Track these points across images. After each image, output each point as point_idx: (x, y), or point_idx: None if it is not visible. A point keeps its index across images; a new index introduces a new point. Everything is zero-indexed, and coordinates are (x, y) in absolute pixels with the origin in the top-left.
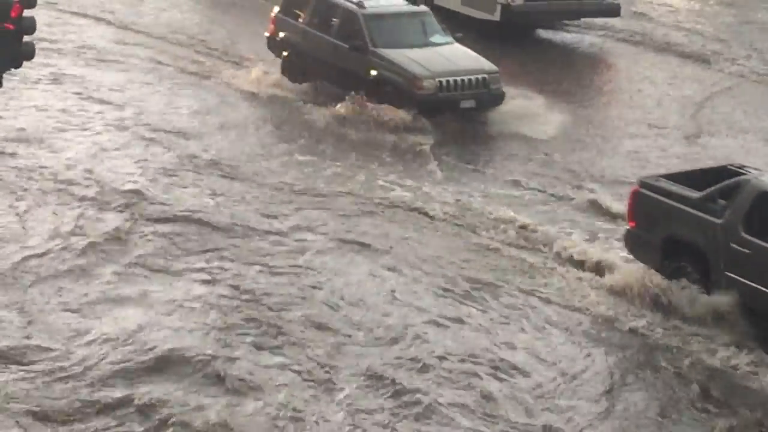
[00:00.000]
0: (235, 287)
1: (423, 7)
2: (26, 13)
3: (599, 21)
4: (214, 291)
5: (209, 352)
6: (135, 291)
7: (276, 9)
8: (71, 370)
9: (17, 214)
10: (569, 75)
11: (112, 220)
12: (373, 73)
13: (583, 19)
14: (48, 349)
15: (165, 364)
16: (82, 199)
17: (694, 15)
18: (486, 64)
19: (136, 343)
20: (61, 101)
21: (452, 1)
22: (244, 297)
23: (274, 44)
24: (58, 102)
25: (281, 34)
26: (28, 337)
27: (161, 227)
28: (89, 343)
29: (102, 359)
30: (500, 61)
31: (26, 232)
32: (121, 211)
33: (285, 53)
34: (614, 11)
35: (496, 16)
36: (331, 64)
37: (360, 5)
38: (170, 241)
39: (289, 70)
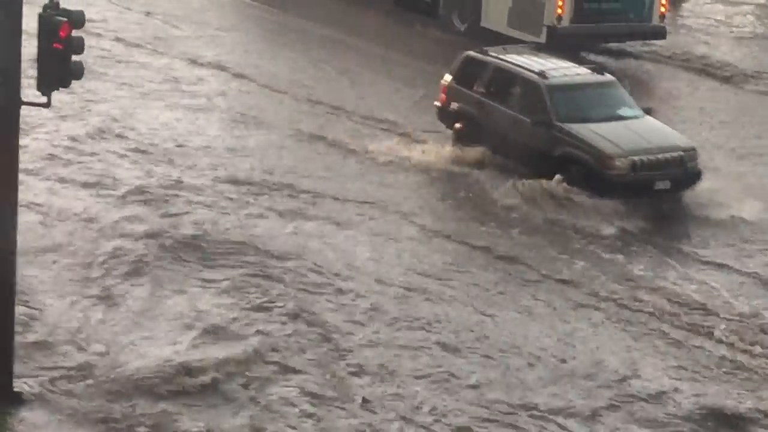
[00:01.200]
0: None
1: (609, 77)
2: (74, 32)
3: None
4: None
5: None
6: None
7: (447, 77)
8: None
9: None
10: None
11: None
12: (558, 150)
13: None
14: None
15: None
16: None
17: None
18: (681, 141)
19: None
20: (211, 171)
21: (499, 24)
22: None
23: (445, 115)
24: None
25: (453, 105)
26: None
27: None
28: None
29: None
30: None
31: None
32: None
33: (458, 125)
34: (661, 33)
35: (543, 38)
36: (510, 139)
37: (542, 75)
38: None
39: (462, 143)
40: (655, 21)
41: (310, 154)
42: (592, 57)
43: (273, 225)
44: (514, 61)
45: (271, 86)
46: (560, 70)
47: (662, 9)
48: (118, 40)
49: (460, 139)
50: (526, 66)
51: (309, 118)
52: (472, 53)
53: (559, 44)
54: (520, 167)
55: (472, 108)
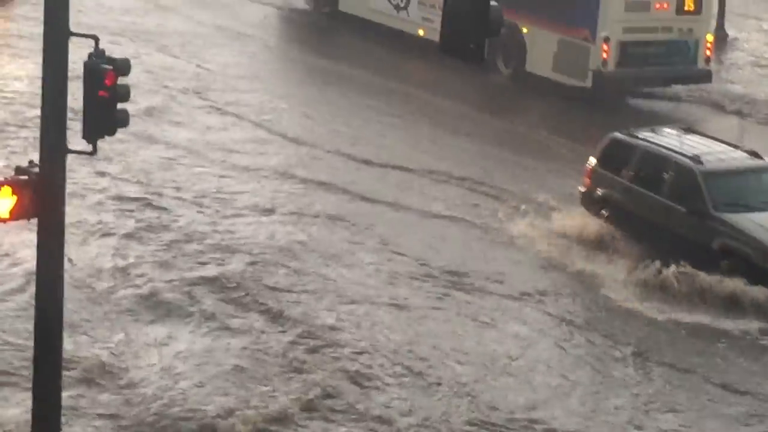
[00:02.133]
0: None
1: None
2: (120, 80)
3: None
4: None
5: None
6: None
7: (591, 161)
8: None
9: None
10: None
11: None
12: (716, 242)
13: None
14: None
15: None
16: None
17: None
18: None
19: None
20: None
21: (544, 68)
22: None
23: (589, 201)
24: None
25: (599, 191)
26: None
27: None
28: None
29: None
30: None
31: None
32: None
33: (604, 212)
34: (706, 77)
35: (588, 83)
36: (662, 228)
37: (696, 160)
38: None
39: (609, 230)
40: (701, 64)
41: (440, 231)
42: (638, 102)
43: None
44: (664, 144)
45: (342, 150)
46: (715, 154)
47: (707, 52)
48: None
49: (607, 225)
50: (678, 150)
51: (405, 187)
52: (618, 135)
53: (604, 89)
54: (672, 258)
55: (620, 194)
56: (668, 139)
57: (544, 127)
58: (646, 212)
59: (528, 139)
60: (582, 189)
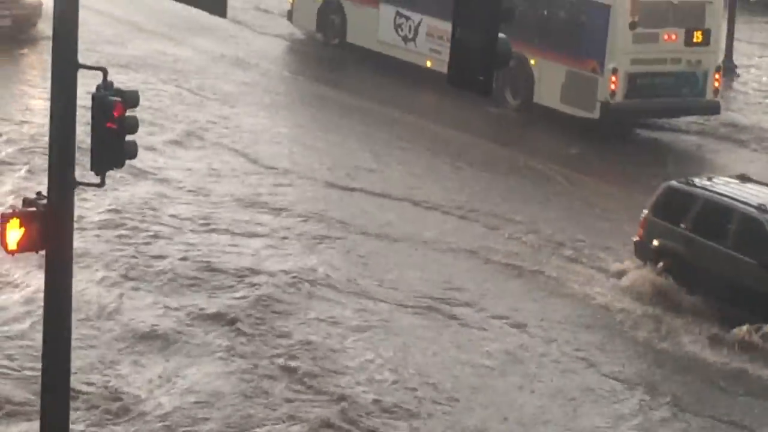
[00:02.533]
0: None
1: None
2: (129, 112)
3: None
4: None
5: None
6: None
7: (644, 211)
8: None
9: None
10: None
11: None
12: None
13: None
14: None
15: None
16: None
17: None
18: None
19: None
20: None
21: (552, 99)
22: None
23: (645, 251)
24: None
25: (655, 242)
26: None
27: None
28: None
29: None
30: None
31: None
32: None
33: (662, 264)
34: (714, 109)
35: (596, 114)
36: (728, 281)
37: (763, 210)
38: None
39: (668, 285)
40: (709, 96)
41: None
42: (646, 133)
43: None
44: (726, 193)
45: (378, 191)
46: None
47: (716, 84)
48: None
49: (666, 278)
50: (741, 199)
51: (443, 228)
52: (674, 184)
53: (612, 120)
54: (740, 314)
55: (679, 245)
56: (728, 187)
57: (556, 160)
58: (709, 264)
59: (545, 174)
60: (636, 239)
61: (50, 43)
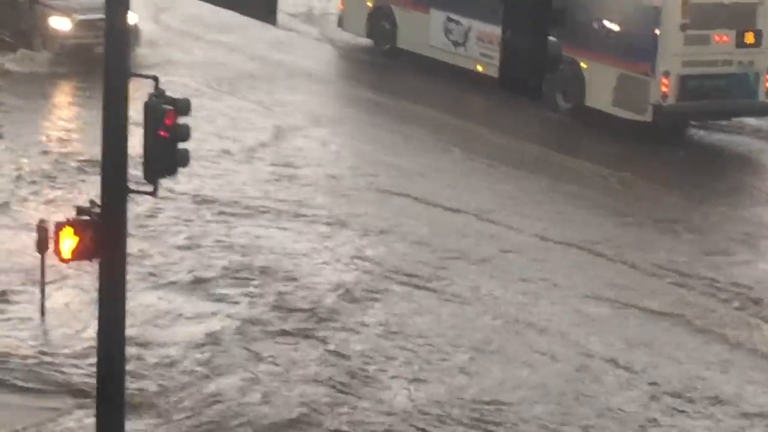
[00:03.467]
0: None
1: None
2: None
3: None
4: None
5: None
6: None
7: None
8: None
9: None
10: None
11: None
12: None
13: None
14: None
15: None
16: None
17: None
18: None
19: None
20: None
21: (603, 102)
22: None
23: None
24: None
25: None
26: None
27: None
28: None
29: None
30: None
31: None
32: None
33: None
34: (767, 110)
35: (648, 117)
36: None
37: None
38: None
39: None
40: (762, 97)
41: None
42: (699, 135)
43: None
44: None
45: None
46: None
47: None
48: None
49: None
50: None
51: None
52: None
53: (664, 123)
54: None
55: None
56: None
57: (624, 166)
58: None
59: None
60: None
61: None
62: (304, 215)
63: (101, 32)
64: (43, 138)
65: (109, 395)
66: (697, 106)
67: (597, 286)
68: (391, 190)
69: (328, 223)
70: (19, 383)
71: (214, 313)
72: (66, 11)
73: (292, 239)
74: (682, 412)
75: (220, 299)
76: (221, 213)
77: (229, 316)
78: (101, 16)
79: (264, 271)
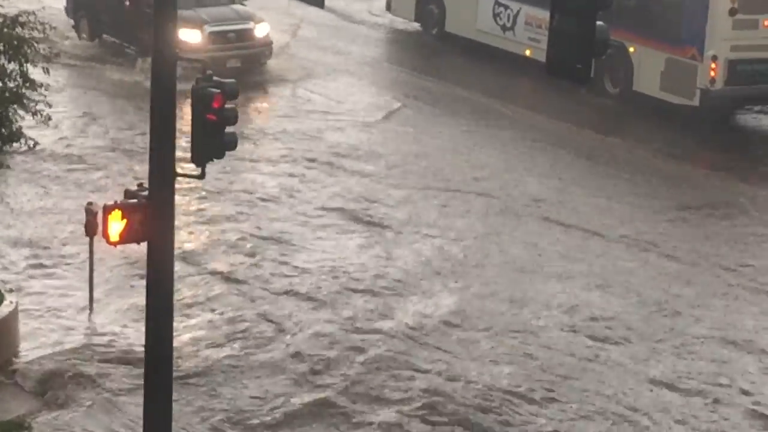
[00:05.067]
0: None
1: None
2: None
3: None
4: None
5: None
6: None
7: None
8: None
9: None
10: None
11: None
12: None
13: None
14: None
15: None
16: None
17: None
18: None
19: None
20: None
21: (651, 87)
22: None
23: None
24: None
25: None
26: None
27: None
28: None
29: None
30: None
31: None
32: None
33: None
34: None
35: (695, 101)
36: None
37: None
38: None
39: None
40: None
41: None
42: (747, 119)
43: None
44: None
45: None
46: None
47: None
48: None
49: None
50: None
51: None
52: None
53: (712, 107)
54: None
55: None
56: None
57: (675, 153)
58: None
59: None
60: None
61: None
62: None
63: (233, 45)
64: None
65: (158, 382)
66: (745, 91)
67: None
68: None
69: None
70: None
71: None
72: (196, 23)
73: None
74: None
75: None
76: None
77: None
78: (233, 27)
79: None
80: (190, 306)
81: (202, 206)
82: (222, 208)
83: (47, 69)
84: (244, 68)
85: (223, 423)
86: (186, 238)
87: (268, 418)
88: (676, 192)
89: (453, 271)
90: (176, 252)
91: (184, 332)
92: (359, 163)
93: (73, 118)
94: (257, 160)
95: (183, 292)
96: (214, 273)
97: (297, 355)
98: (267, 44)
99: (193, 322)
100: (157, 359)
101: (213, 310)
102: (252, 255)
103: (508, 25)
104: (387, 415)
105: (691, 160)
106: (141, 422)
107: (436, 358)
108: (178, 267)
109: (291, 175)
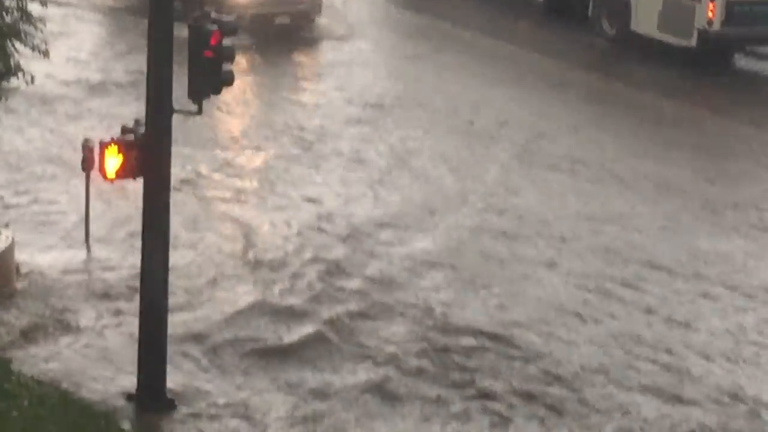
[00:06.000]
0: None
1: None
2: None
3: None
4: None
5: None
6: None
7: None
8: None
9: None
10: None
11: None
12: None
13: None
14: None
15: None
16: None
17: None
18: None
19: None
20: None
21: (649, 27)
22: None
23: None
24: None
25: None
26: None
27: None
28: None
29: None
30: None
31: None
32: None
33: None
34: None
35: (693, 42)
36: None
37: None
38: None
39: None
40: None
41: None
42: (745, 62)
43: None
44: None
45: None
46: None
47: None
48: None
49: None
50: None
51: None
52: None
53: (709, 48)
54: None
55: None
56: None
57: (672, 93)
58: None
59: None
60: None
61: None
62: None
63: (282, 1)
64: None
65: (151, 321)
66: (743, 32)
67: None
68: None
69: None
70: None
71: None
72: None
73: None
74: None
75: None
76: None
77: None
78: None
79: None
80: None
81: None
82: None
83: (45, 2)
84: (293, 24)
85: None
86: None
87: None
88: (674, 132)
89: None
90: None
91: None
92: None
93: (72, 51)
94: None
95: None
96: None
97: None
98: (316, 1)
99: None
100: (152, 298)
101: None
102: None
103: None
104: None
105: (691, 102)
106: (134, 359)
107: None
108: None
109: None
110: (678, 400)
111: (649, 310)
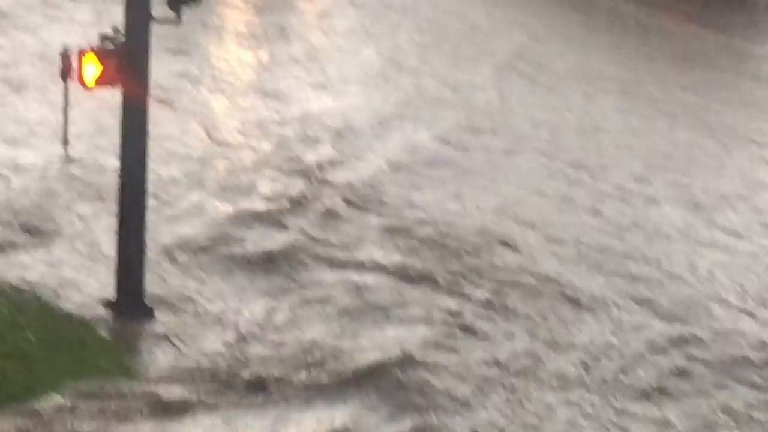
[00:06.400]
0: None
1: None
2: None
3: None
4: None
5: None
6: None
7: None
8: None
9: None
10: None
11: None
12: None
13: None
14: None
15: None
16: None
17: None
18: None
19: None
20: None
21: None
22: None
23: None
24: None
25: None
26: None
27: None
28: None
29: None
30: None
31: None
32: None
33: None
34: None
35: None
36: None
37: None
38: None
39: None
40: None
41: None
42: None
43: None
44: None
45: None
46: None
47: None
48: None
49: None
50: None
51: None
52: None
53: None
54: None
55: None
56: None
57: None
58: None
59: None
60: None
61: None
62: None
63: None
64: None
65: (131, 229)
66: None
67: None
68: None
69: None
70: None
71: None
72: None
73: None
74: None
75: None
76: None
77: None
78: None
79: None
80: None
81: None
82: None
83: None
84: None
85: None
86: None
87: None
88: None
89: None
90: None
91: None
92: None
93: None
94: None
95: None
96: None
97: None
98: None
99: None
100: (131, 203)
101: None
102: None
103: None
104: None
105: (666, 11)
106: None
107: None
108: None
109: None
110: None
111: None
